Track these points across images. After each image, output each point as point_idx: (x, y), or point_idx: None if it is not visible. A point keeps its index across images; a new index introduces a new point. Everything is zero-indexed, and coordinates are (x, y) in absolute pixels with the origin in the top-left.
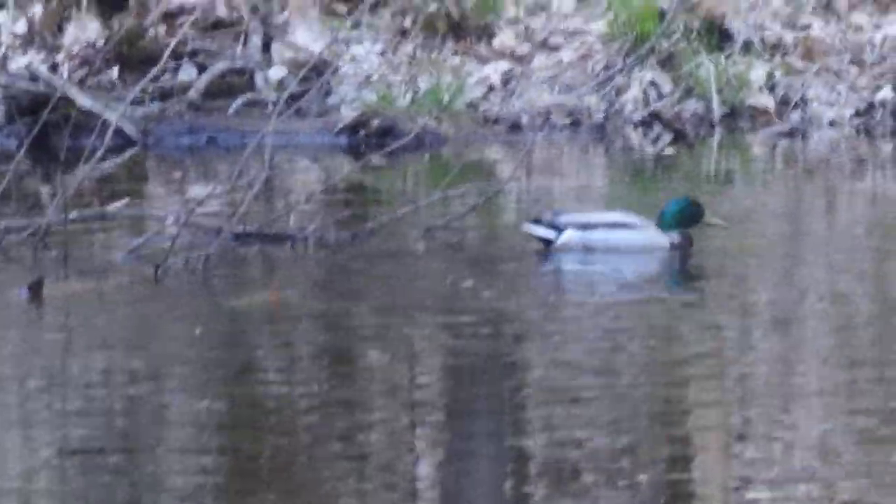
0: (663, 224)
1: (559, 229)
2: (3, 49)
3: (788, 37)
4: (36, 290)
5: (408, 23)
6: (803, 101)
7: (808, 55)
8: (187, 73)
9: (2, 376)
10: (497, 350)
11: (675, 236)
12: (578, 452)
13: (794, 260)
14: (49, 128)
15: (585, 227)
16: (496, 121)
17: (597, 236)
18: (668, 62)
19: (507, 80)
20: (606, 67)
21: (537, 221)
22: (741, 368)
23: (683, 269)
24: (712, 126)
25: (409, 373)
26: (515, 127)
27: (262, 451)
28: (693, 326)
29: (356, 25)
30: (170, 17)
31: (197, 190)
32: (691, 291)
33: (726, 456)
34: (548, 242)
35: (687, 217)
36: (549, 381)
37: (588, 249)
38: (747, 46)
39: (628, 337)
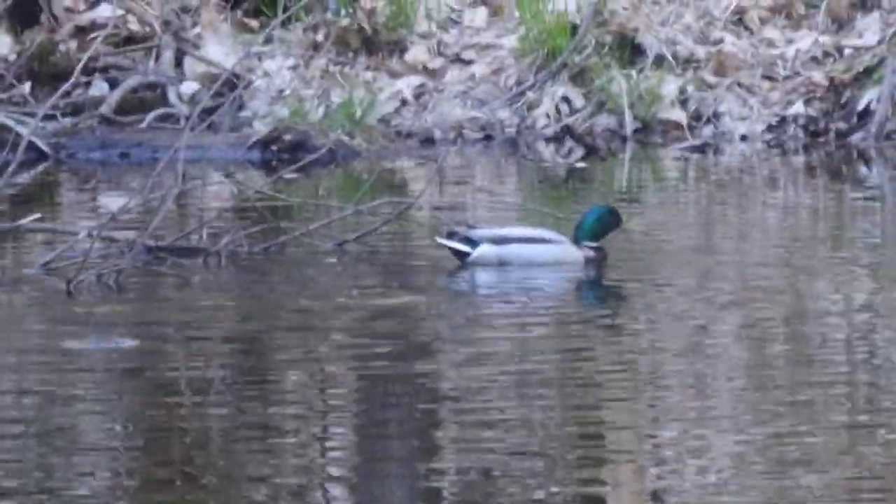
0: (583, 233)
1: (474, 243)
2: None
3: (700, 51)
4: None
5: (320, 37)
6: (715, 116)
7: (721, 70)
8: (99, 88)
9: None
10: (408, 367)
11: (589, 251)
12: (489, 475)
13: (707, 273)
14: None
15: (500, 241)
16: (409, 135)
17: (511, 251)
18: (580, 77)
19: (419, 94)
20: (518, 82)
21: (451, 235)
22: (653, 389)
23: (597, 283)
24: (624, 140)
25: (319, 392)
26: (428, 141)
27: (173, 473)
28: (605, 342)
29: (268, 40)
30: (82, 33)
31: (110, 204)
32: (604, 305)
33: (638, 478)
34: (462, 256)
35: (606, 224)
36: (461, 402)
37: (503, 264)
38: (659, 61)
39: (539, 352)
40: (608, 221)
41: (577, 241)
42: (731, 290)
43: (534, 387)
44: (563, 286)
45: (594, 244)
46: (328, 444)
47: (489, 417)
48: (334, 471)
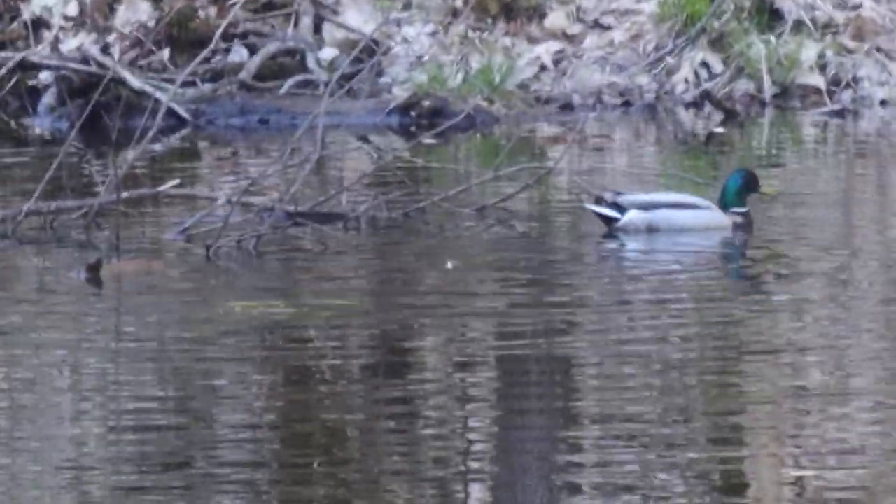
0: (728, 198)
1: (622, 209)
2: (55, 32)
3: (839, 16)
4: (94, 270)
5: (459, 3)
6: (854, 81)
7: (859, 35)
8: (238, 54)
9: (76, 358)
10: (552, 334)
11: (737, 216)
12: (630, 443)
13: (850, 239)
14: (101, 109)
15: (648, 206)
16: (548, 100)
17: (660, 216)
18: (718, 42)
19: (558, 60)
20: (658, 47)
21: (599, 200)
22: (796, 356)
23: (745, 249)
24: (763, 106)
25: (459, 357)
26: (567, 107)
27: (314, 436)
28: (751, 308)
29: (407, 6)
30: None
31: (249, 170)
32: (751, 271)
33: (780, 455)
34: (610, 221)
35: (746, 187)
36: (604, 371)
37: (651, 229)
38: (798, 26)
39: (685, 319)
40: (748, 185)
41: (723, 206)
42: (874, 257)
43: (678, 354)
44: (711, 250)
45: (742, 209)
46: (469, 424)
47: (630, 383)
48: (474, 436)
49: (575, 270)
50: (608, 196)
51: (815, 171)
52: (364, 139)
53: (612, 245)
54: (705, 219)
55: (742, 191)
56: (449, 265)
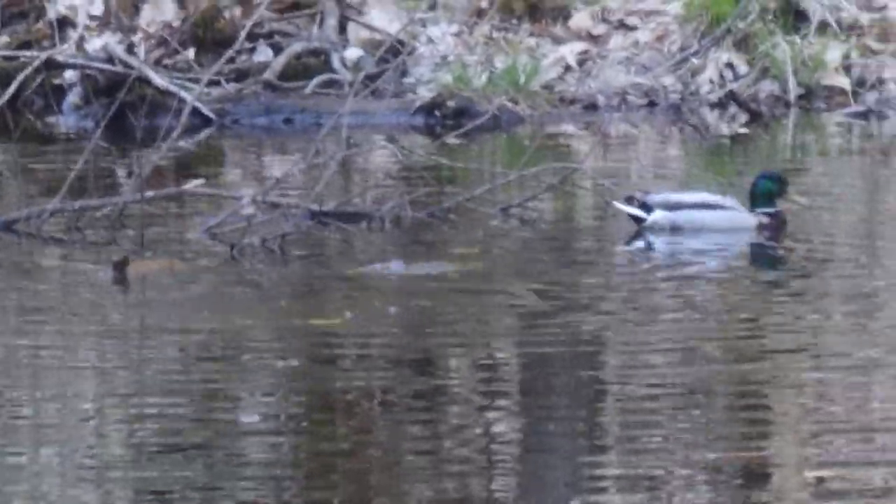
0: (755, 199)
1: (649, 208)
2: (80, 30)
3: (864, 18)
4: (120, 269)
5: (484, 3)
6: (879, 82)
7: (884, 36)
8: (263, 53)
9: (105, 353)
10: (576, 335)
11: (763, 217)
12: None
13: (877, 242)
14: (125, 108)
15: (674, 206)
16: (572, 101)
17: (684, 216)
18: (743, 43)
19: (583, 60)
20: (682, 48)
21: (629, 199)
22: (819, 361)
23: (771, 250)
24: (788, 106)
25: (486, 356)
26: (592, 107)
27: (336, 437)
28: (770, 310)
29: (432, 6)
30: None
31: (274, 169)
32: (771, 272)
33: (805, 460)
34: (638, 221)
35: (775, 190)
36: (629, 393)
37: (675, 229)
38: (823, 27)
39: (704, 320)
40: (777, 188)
41: (751, 207)
42: None
43: (699, 355)
44: (732, 251)
45: (770, 210)
46: (496, 422)
47: (653, 390)
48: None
49: (596, 273)
50: (638, 195)
51: (839, 173)
52: (389, 139)
53: (635, 247)
54: (729, 219)
55: (770, 193)
56: (391, 310)
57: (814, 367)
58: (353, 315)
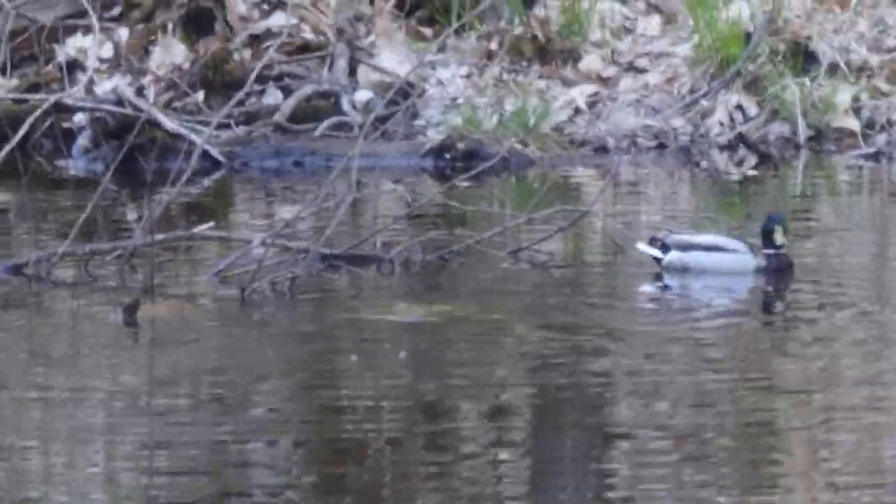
0: (763, 240)
1: (668, 248)
2: (89, 73)
3: (874, 59)
4: (131, 312)
5: (494, 46)
6: (889, 124)
7: (894, 78)
8: (273, 96)
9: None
10: (584, 379)
11: (762, 260)
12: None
13: (886, 284)
14: (135, 151)
15: (686, 247)
16: (582, 143)
17: (691, 258)
18: (753, 85)
19: (592, 102)
20: (692, 90)
21: (652, 241)
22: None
23: (776, 292)
24: (797, 148)
25: (494, 399)
26: (602, 149)
27: (349, 481)
28: (777, 353)
29: (442, 48)
30: (255, 41)
31: (284, 212)
32: (778, 315)
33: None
34: (658, 261)
35: (771, 229)
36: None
37: (686, 270)
38: (833, 69)
39: (711, 365)
40: (769, 226)
41: (764, 247)
42: None
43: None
44: (732, 294)
45: (774, 251)
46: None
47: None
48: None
49: (605, 316)
50: (661, 235)
51: (849, 215)
52: (399, 181)
53: (645, 289)
54: (727, 262)
55: (771, 233)
56: (402, 355)
57: (823, 410)
58: (357, 359)
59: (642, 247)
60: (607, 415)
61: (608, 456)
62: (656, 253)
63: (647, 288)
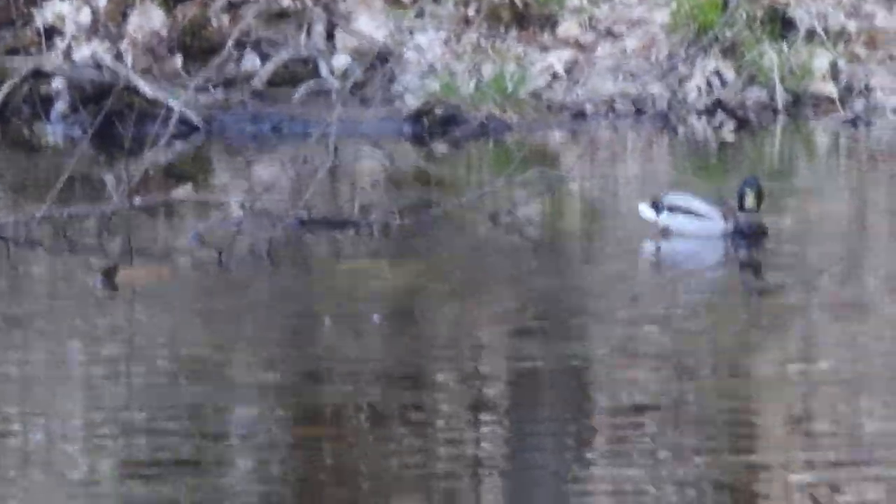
0: (741, 204)
1: (660, 209)
2: (67, 39)
3: (851, 25)
4: (110, 276)
5: (471, 12)
6: (867, 90)
7: (872, 44)
8: (251, 61)
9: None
10: (558, 347)
11: (731, 225)
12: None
13: (861, 249)
14: (113, 116)
15: (672, 209)
16: (560, 109)
17: (672, 221)
18: (731, 51)
19: (570, 68)
20: (670, 56)
21: (654, 203)
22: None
23: (752, 258)
24: (775, 114)
25: (472, 369)
26: (580, 115)
27: (322, 447)
28: (754, 321)
29: (420, 14)
30: (233, 7)
31: (262, 176)
32: (754, 281)
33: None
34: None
35: (745, 194)
36: (613, 387)
37: (666, 233)
38: (810, 35)
39: (689, 332)
40: (741, 190)
41: (739, 211)
42: (887, 267)
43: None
44: (699, 257)
45: (745, 215)
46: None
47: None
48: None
49: (584, 280)
50: (659, 196)
51: (826, 181)
52: (377, 146)
53: (625, 252)
54: (698, 226)
55: (745, 197)
56: (375, 318)
57: (801, 376)
58: (330, 322)
59: (643, 208)
60: (584, 382)
61: (586, 420)
62: (651, 214)
63: (622, 251)
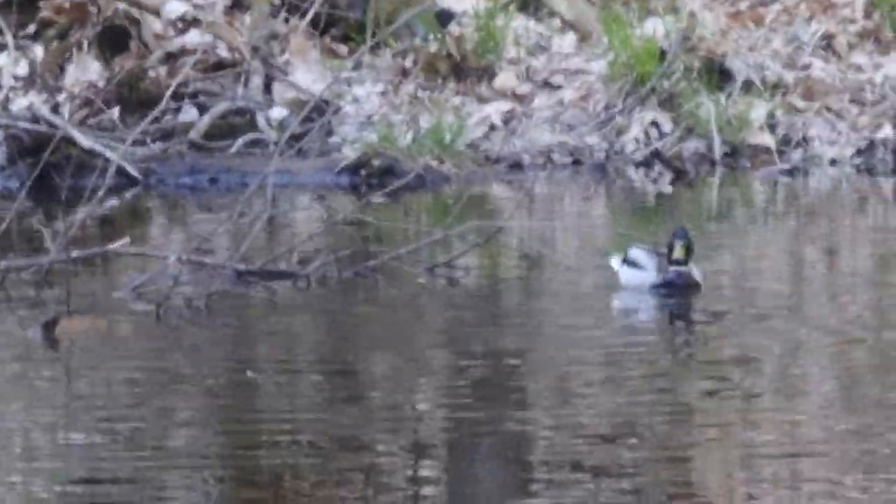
0: (670, 257)
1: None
2: (4, 90)
3: (789, 76)
4: (49, 328)
5: (409, 63)
6: (804, 140)
7: (809, 95)
8: (188, 113)
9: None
10: (496, 409)
11: (659, 278)
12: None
13: (799, 296)
14: (51, 168)
15: (624, 261)
16: (497, 160)
17: (620, 272)
18: (668, 102)
19: (508, 119)
20: (607, 107)
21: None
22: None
23: (682, 310)
24: (713, 164)
25: (410, 412)
26: (517, 166)
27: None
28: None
29: (357, 66)
30: (171, 58)
31: (199, 229)
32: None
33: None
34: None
35: (673, 246)
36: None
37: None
38: (747, 86)
39: (619, 383)
40: (670, 243)
41: (668, 264)
42: (824, 314)
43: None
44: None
45: (675, 268)
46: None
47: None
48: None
49: (520, 332)
50: (630, 246)
51: (762, 231)
52: (317, 198)
53: (566, 305)
54: (627, 278)
55: (674, 249)
56: (249, 374)
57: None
58: (254, 375)
59: (613, 261)
60: (522, 426)
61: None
62: (614, 264)
63: (563, 305)
